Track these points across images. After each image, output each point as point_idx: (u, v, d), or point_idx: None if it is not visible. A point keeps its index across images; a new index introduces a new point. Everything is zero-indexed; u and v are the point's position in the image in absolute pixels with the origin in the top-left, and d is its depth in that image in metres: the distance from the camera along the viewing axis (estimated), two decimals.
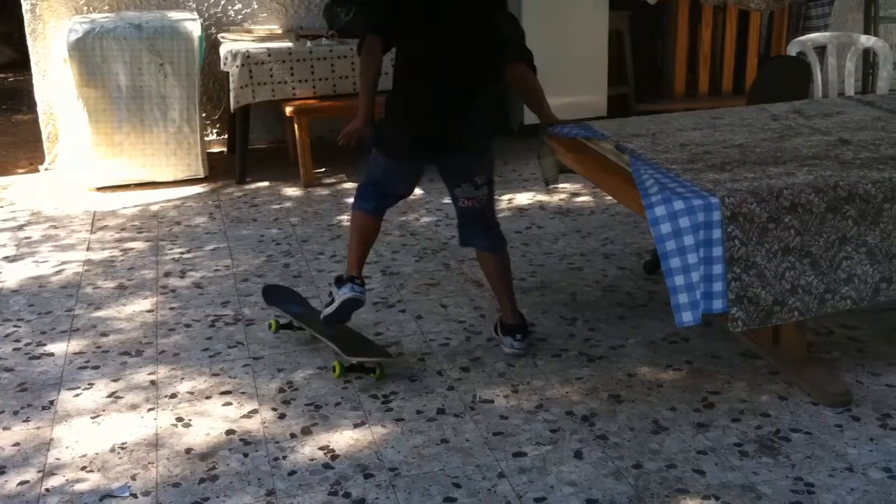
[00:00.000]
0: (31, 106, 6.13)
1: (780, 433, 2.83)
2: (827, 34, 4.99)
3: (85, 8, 5.64)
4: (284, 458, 2.79)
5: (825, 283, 2.80)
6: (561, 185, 5.17)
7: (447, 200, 4.94)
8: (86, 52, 5.09)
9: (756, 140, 3.29)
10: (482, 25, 3.13)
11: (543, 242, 4.40)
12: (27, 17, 5.60)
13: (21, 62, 8.14)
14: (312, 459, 2.77)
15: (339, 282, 3.29)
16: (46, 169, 5.75)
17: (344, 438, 2.88)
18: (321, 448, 2.83)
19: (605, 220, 4.71)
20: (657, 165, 3.00)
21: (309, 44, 5.41)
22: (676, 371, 3.22)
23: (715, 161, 3.05)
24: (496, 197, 3.61)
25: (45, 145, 5.78)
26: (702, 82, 6.55)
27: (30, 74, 5.84)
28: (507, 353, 3.36)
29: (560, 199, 5.02)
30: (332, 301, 3.27)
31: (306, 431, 2.92)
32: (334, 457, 2.78)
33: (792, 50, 4.61)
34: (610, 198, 4.86)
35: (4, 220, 4.93)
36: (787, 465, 2.68)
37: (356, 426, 2.94)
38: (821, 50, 4.80)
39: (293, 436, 2.90)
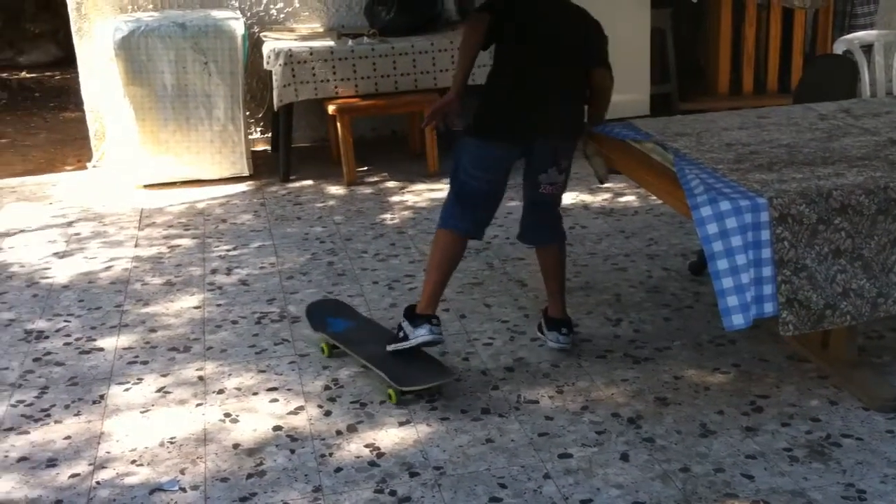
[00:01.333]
0: (78, 104, 6.21)
1: (830, 438, 2.80)
2: (874, 32, 4.92)
3: (129, 6, 5.71)
4: (331, 454, 2.81)
5: (877, 287, 2.77)
6: (604, 185, 5.14)
7: None
8: (131, 50, 5.15)
9: (804, 140, 3.25)
10: (579, 32, 3.23)
11: (587, 242, 4.39)
12: (73, 15, 5.67)
13: (67, 60, 8.28)
14: (358, 457, 2.79)
15: (413, 317, 3.16)
16: (94, 166, 5.83)
17: (389, 436, 2.89)
18: (367, 446, 2.85)
19: (650, 220, 4.69)
20: (702, 165, 2.98)
21: (350, 42, 5.44)
22: (724, 374, 3.20)
23: (762, 161, 3.02)
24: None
25: (93, 143, 5.85)
26: (746, 81, 6.49)
27: (76, 72, 5.92)
28: (551, 350, 3.36)
29: (604, 199, 5.00)
30: (404, 337, 3.16)
31: (352, 429, 2.94)
32: (380, 454, 2.80)
33: (838, 48, 4.55)
34: (654, 198, 4.83)
35: (54, 217, 5.00)
36: (837, 470, 2.65)
37: (401, 424, 2.96)
38: (867, 48, 4.74)
39: (339, 433, 2.92)
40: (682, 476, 2.65)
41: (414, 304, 3.24)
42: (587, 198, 5.04)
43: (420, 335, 3.11)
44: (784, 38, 6.44)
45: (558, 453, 2.77)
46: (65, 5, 5.70)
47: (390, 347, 3.20)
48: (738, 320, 2.65)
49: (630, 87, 6.12)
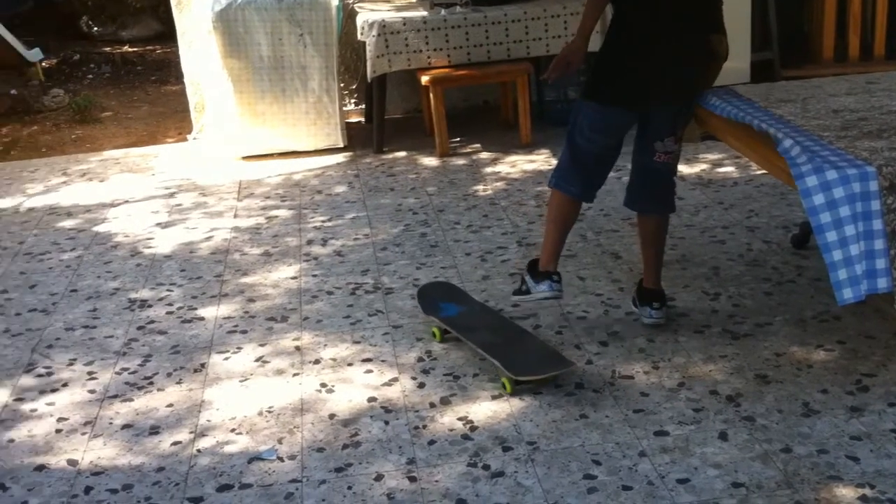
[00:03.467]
0: (179, 77, 6.36)
1: None
2: None
3: None
4: (424, 427, 2.82)
5: None
6: (702, 155, 5.03)
7: None
8: (229, 22, 5.23)
9: None
10: None
11: (684, 214, 4.29)
12: None
13: (167, 34, 8.47)
14: (452, 430, 2.80)
15: (535, 272, 3.32)
16: (194, 138, 5.96)
17: (482, 410, 2.89)
18: (460, 419, 2.86)
19: (749, 191, 4.56)
20: (808, 133, 2.87)
21: (443, 12, 5.41)
22: (827, 351, 3.10)
23: (871, 128, 2.90)
24: None
25: (193, 115, 5.98)
26: (852, 46, 6.23)
27: (176, 46, 6.04)
28: (646, 326, 3.30)
29: (701, 170, 4.88)
30: (526, 291, 3.34)
31: (445, 402, 2.95)
32: (473, 428, 2.80)
33: None
34: (754, 168, 4.71)
35: (156, 188, 5.14)
36: None
37: (494, 398, 2.95)
38: None
39: (432, 405, 2.94)
40: (783, 457, 2.58)
41: (536, 259, 3.36)
42: (684, 168, 4.92)
43: (541, 290, 3.29)
44: (892, 1, 6.14)
45: (654, 431, 2.73)
46: None
47: (514, 299, 3.42)
48: (848, 294, 2.54)
49: (731, 54, 5.93)
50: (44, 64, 7.95)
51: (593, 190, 3.34)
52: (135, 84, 7.94)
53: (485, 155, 5.37)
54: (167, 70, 8.20)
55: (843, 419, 2.73)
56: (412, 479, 2.59)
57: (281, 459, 2.72)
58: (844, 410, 2.77)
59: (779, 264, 3.76)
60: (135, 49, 9.14)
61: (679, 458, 2.60)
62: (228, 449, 2.78)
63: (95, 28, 9.54)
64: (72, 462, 2.76)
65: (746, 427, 2.72)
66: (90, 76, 8.24)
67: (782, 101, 3.25)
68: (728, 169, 4.87)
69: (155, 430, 2.90)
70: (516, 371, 2.97)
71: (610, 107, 3.19)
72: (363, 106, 6.14)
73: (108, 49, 9.03)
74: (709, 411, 2.81)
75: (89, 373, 3.25)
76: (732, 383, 2.95)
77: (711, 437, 2.69)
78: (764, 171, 4.20)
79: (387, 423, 2.86)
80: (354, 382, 3.10)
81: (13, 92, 7.24)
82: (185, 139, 6.02)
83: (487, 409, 2.90)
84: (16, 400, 3.11)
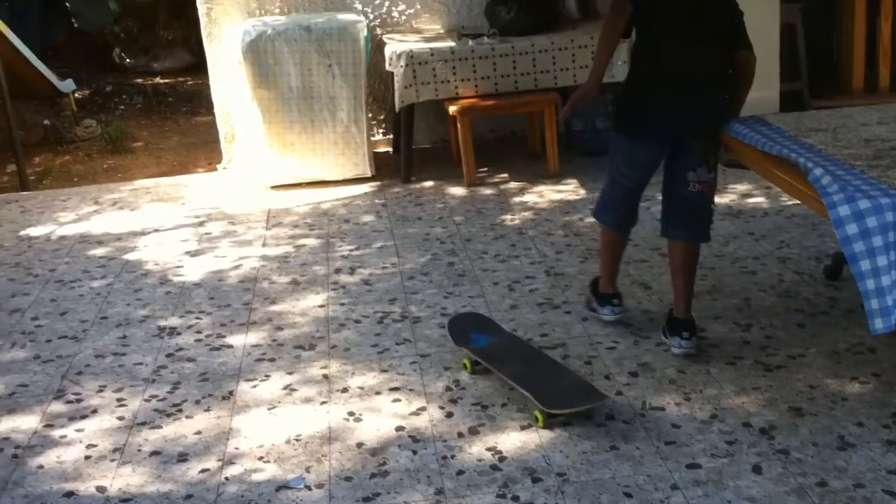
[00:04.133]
0: (209, 108, 6.42)
1: None
2: None
3: (257, 11, 5.86)
4: (452, 457, 2.80)
5: None
6: (731, 185, 5.00)
7: None
8: (259, 53, 5.28)
9: None
10: (719, 12, 3.19)
11: (714, 245, 4.26)
12: (203, 20, 5.85)
13: (198, 66, 8.57)
14: (480, 460, 2.78)
15: (597, 293, 3.58)
16: (224, 168, 6.01)
17: (511, 440, 2.87)
18: (489, 449, 2.83)
19: (780, 221, 4.52)
20: (839, 162, 2.84)
21: (471, 42, 5.44)
22: (863, 384, 3.05)
23: None
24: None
25: (223, 145, 6.03)
26: (882, 77, 6.21)
27: (206, 78, 6.11)
28: (677, 356, 3.27)
29: (731, 200, 4.85)
30: (593, 309, 3.60)
31: (473, 431, 2.93)
32: (502, 458, 2.78)
33: None
34: (785, 198, 4.67)
35: (186, 217, 5.18)
36: None
37: (523, 428, 2.93)
38: None
39: (461, 435, 2.91)
40: (818, 491, 2.53)
41: (597, 277, 3.60)
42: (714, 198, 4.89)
43: (605, 314, 3.55)
44: None
45: (686, 463, 2.69)
46: (196, 13, 5.89)
47: (587, 308, 3.65)
48: (879, 324, 2.51)
49: (759, 84, 5.79)
50: (76, 95, 8.07)
51: (627, 226, 3.44)
52: (166, 115, 8.03)
53: (512, 185, 5.37)
54: (198, 101, 8.29)
55: (879, 452, 2.68)
56: None
57: (309, 488, 2.70)
58: (881, 444, 2.72)
59: (811, 296, 3.72)
60: (166, 80, 9.26)
61: (712, 491, 2.56)
62: (256, 477, 2.77)
63: (128, 59, 9.68)
64: (100, 489, 2.76)
65: (781, 460, 2.68)
66: (122, 107, 8.36)
67: (813, 129, 3.23)
68: (758, 199, 4.84)
69: (183, 458, 2.89)
70: (549, 404, 2.94)
71: (638, 141, 3.22)
72: (391, 136, 6.17)
73: (140, 80, 9.16)
74: (742, 444, 2.77)
75: (118, 399, 3.26)
76: (766, 415, 2.91)
77: (745, 470, 2.64)
78: (795, 202, 4.18)
79: (415, 452, 2.84)
80: (382, 411, 3.09)
81: (46, 122, 7.35)
82: (214, 169, 6.07)
83: (516, 440, 2.87)
84: (45, 426, 3.12)
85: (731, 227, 4.48)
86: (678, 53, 3.15)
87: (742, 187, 4.99)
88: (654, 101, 3.19)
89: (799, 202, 3.19)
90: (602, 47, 3.24)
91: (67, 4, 9.51)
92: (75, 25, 9.67)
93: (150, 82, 9.12)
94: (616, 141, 3.31)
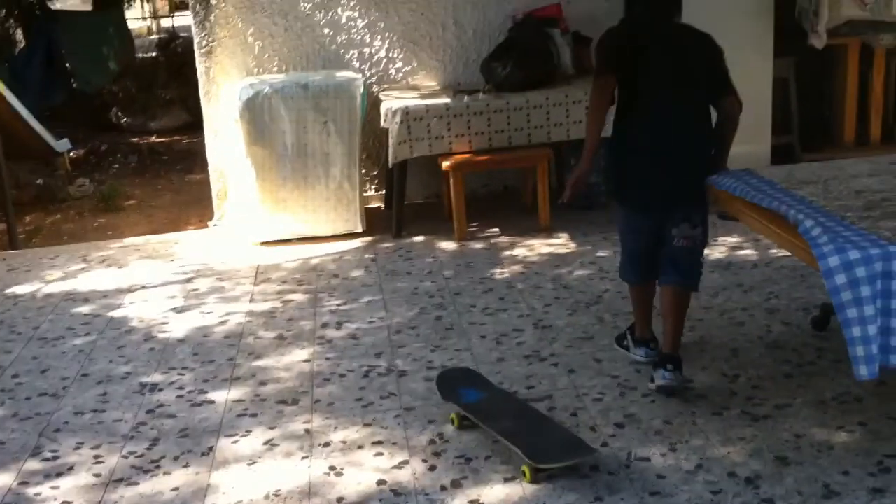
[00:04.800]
0: (203, 166, 6.45)
1: None
2: None
3: (255, 70, 5.91)
4: None
5: None
6: (721, 238, 4.98)
7: (601, 253, 4.89)
8: (255, 111, 5.31)
9: None
10: (701, 70, 3.27)
11: (702, 297, 4.23)
12: (202, 79, 5.90)
13: (195, 124, 8.65)
14: None
15: (634, 337, 3.63)
16: (215, 225, 6.01)
17: (495, 493, 2.82)
18: (471, 502, 2.78)
19: (769, 273, 4.49)
20: (830, 213, 2.84)
21: (466, 98, 5.47)
22: (848, 433, 3.00)
23: (894, 208, 2.87)
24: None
25: (215, 202, 6.04)
26: (873, 130, 6.23)
27: (202, 136, 6.15)
28: (663, 407, 3.24)
29: (720, 252, 4.83)
30: (627, 347, 3.67)
31: (456, 484, 2.88)
32: None
33: None
34: (774, 250, 4.66)
35: (174, 273, 5.16)
36: None
37: (507, 481, 2.87)
38: None
39: (443, 488, 2.86)
40: None
41: (633, 324, 3.66)
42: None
43: (639, 354, 3.60)
44: None
45: None
46: (195, 72, 5.94)
47: (617, 345, 3.72)
48: (863, 371, 2.53)
49: (750, 138, 5.92)
50: (71, 154, 8.13)
51: (649, 277, 3.50)
52: (160, 173, 8.08)
53: (503, 239, 5.36)
54: (192, 159, 8.34)
55: (864, 501, 2.63)
56: None
57: None
58: (866, 492, 2.67)
59: (799, 346, 3.68)
60: (162, 139, 9.34)
61: None
62: None
63: (125, 119, 9.77)
64: None
65: None
66: (116, 165, 8.41)
67: (804, 182, 3.25)
68: (748, 251, 4.82)
69: None
70: (537, 459, 2.89)
71: (632, 212, 3.41)
72: (383, 191, 6.18)
73: (135, 139, 9.24)
74: (727, 494, 2.72)
75: (96, 456, 3.21)
76: (751, 465, 2.86)
77: None
78: (785, 254, 4.17)
79: None
80: (364, 465, 3.03)
81: (39, 181, 7.39)
82: (205, 226, 6.07)
83: (500, 492, 2.82)
84: (20, 484, 3.07)
85: (721, 280, 4.46)
86: (659, 120, 3.22)
87: (732, 239, 4.98)
88: (634, 174, 3.33)
89: (789, 254, 3.18)
90: (592, 126, 3.34)
91: (68, 65, 9.64)
92: (75, 86, 9.80)
93: (145, 141, 9.20)
94: (618, 209, 3.49)
